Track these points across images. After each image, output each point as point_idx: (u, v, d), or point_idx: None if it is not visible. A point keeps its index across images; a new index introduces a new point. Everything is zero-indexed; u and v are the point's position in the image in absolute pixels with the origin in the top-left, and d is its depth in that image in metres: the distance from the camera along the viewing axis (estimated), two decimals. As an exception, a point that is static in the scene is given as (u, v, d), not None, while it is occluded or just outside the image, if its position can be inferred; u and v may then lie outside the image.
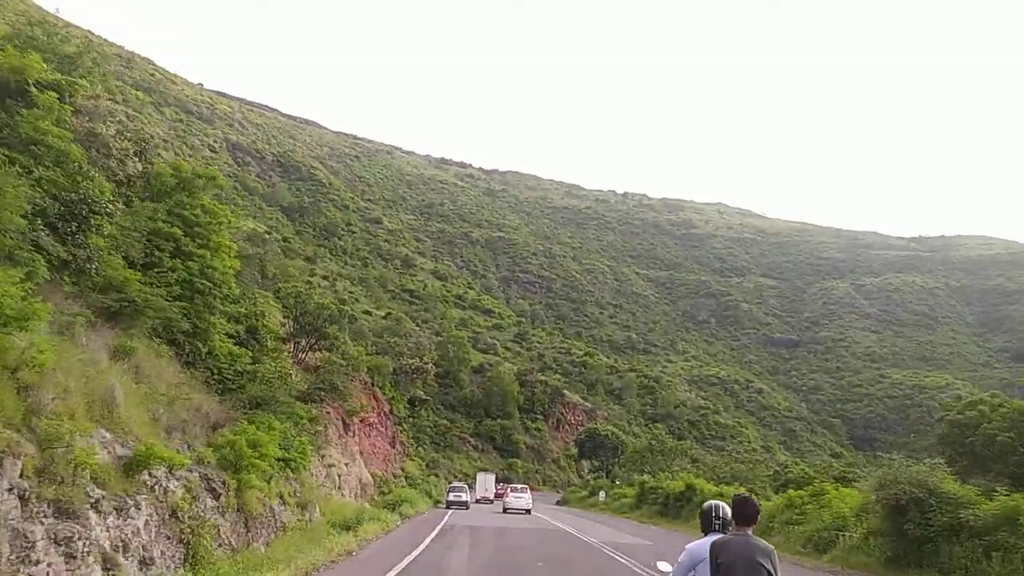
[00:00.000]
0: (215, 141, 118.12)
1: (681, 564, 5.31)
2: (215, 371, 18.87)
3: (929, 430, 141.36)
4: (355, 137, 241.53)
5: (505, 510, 42.89)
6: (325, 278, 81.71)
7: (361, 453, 38.46)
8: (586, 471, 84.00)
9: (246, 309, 23.39)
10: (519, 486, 49.70)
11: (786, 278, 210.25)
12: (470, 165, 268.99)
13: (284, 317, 33.42)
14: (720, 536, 5.02)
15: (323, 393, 29.53)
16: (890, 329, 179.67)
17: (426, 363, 57.11)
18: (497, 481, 60.85)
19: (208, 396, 16.72)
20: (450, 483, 50.27)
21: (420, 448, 65.12)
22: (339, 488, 28.28)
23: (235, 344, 20.73)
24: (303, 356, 33.84)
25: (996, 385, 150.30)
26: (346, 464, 30.94)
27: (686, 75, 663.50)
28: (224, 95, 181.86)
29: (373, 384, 44.82)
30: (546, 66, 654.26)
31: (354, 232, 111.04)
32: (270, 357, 24.13)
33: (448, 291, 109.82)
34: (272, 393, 20.29)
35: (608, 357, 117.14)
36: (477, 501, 51.71)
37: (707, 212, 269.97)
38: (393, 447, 48.42)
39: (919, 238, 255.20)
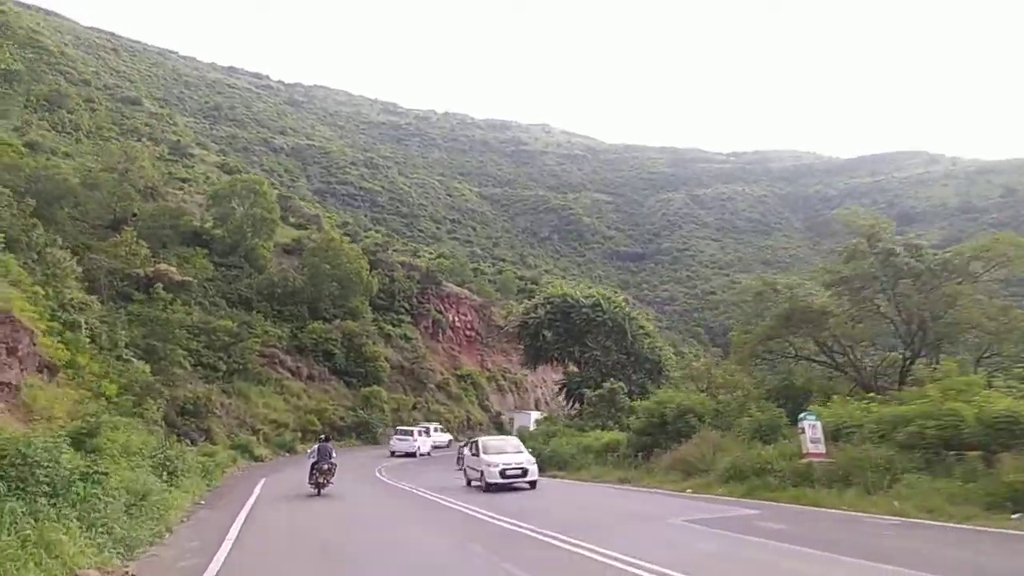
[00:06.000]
0: None
1: (309, 453, 23.59)
2: None
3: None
4: (115, 35, 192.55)
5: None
6: (28, 145, 50.91)
7: None
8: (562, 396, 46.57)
9: None
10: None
11: (621, 193, 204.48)
12: (267, 76, 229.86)
13: None
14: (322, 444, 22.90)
15: None
16: (729, 236, 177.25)
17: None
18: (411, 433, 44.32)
19: None
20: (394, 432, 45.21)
21: (162, 376, 30.58)
22: None
23: None
24: None
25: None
26: None
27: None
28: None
29: None
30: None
31: (96, 110, 77.86)
32: None
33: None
34: None
35: (466, 261, 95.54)
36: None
37: (533, 131, 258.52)
38: None
39: (736, 153, 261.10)
